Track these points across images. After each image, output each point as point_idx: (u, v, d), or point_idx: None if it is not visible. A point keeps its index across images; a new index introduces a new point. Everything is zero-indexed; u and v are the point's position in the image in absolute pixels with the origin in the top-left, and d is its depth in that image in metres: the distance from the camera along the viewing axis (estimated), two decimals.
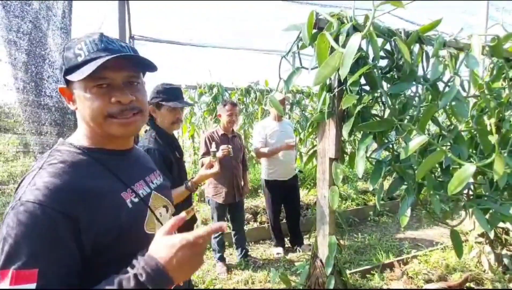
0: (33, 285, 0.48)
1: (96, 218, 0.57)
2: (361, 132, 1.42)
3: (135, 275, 0.49)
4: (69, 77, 0.61)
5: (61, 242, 0.52)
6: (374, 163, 1.50)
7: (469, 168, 1.14)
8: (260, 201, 3.82)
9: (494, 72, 1.89)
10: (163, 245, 0.51)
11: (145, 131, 1.67)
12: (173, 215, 0.82)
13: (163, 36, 4.16)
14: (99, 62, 0.58)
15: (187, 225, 1.67)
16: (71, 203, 0.54)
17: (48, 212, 0.52)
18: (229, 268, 2.64)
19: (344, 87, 1.39)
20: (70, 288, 0.52)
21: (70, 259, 0.53)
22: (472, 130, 1.81)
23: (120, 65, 0.62)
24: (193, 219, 1.75)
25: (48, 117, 1.19)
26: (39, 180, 0.55)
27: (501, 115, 1.86)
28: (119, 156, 0.70)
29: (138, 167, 0.75)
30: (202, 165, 2.41)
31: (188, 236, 0.51)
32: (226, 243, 2.96)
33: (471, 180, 1.81)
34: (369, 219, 3.74)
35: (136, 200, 0.67)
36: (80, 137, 0.66)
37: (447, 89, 1.55)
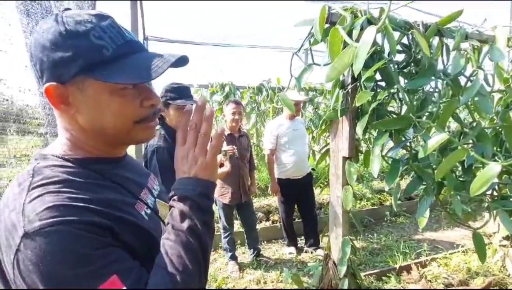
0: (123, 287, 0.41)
1: (124, 230, 0.47)
2: (377, 130, 1.37)
3: (193, 202, 0.49)
4: (98, 75, 0.46)
5: (109, 243, 0.44)
6: (390, 162, 1.44)
7: (494, 167, 1.07)
8: (273, 200, 3.80)
9: None
10: (177, 166, 0.54)
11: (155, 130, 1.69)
12: None
13: (176, 36, 4.19)
14: (167, 62, 0.48)
15: None
16: (94, 213, 0.44)
17: (75, 226, 0.42)
18: (241, 267, 2.64)
19: (358, 84, 1.34)
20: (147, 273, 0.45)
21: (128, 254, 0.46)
22: (497, 127, 1.70)
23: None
24: None
25: None
26: (38, 203, 0.42)
27: None
28: (116, 164, 0.59)
29: (136, 174, 0.65)
30: None
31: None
32: (238, 242, 2.96)
33: (496, 180, 1.71)
34: (385, 219, 3.63)
35: (148, 211, 0.58)
36: (67, 147, 0.53)
37: (469, 84, 1.46)
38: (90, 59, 0.46)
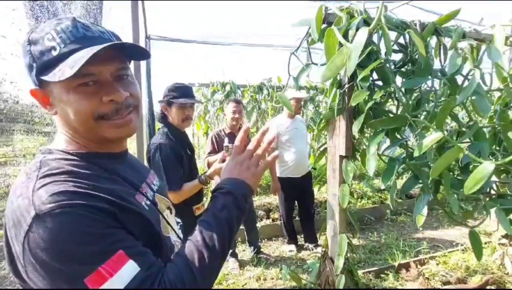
0: (130, 262, 0.44)
1: (128, 218, 0.50)
2: (373, 129, 1.38)
3: (235, 199, 0.58)
4: (45, 78, 0.49)
5: (113, 225, 0.47)
6: (386, 161, 1.46)
7: (488, 166, 1.08)
8: (273, 198, 3.82)
9: None
10: (229, 169, 0.65)
11: (158, 129, 1.72)
12: (181, 215, 0.83)
13: (178, 35, 4.22)
14: (84, 56, 0.47)
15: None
16: (99, 200, 0.47)
17: (82, 208, 0.45)
18: (242, 264, 2.67)
19: (354, 83, 1.35)
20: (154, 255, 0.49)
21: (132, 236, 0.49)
22: (496, 126, 1.71)
23: (106, 57, 0.51)
24: None
25: None
26: (46, 189, 0.45)
27: None
28: (117, 159, 0.61)
29: (137, 169, 0.69)
30: (208, 164, 2.45)
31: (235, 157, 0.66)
32: (239, 239, 3.00)
33: (494, 178, 1.72)
34: (385, 218, 3.64)
35: (148, 203, 0.61)
36: (67, 142, 0.55)
37: (466, 83, 1.47)
38: (42, 61, 0.49)
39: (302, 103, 3.67)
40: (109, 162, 0.58)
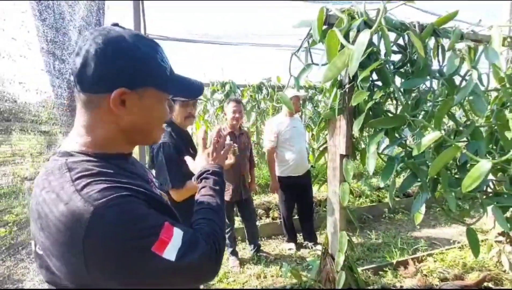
0: (175, 229, 0.55)
1: (155, 207, 0.58)
2: (373, 128, 1.41)
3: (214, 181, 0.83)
4: (164, 88, 0.62)
5: (150, 207, 0.56)
6: (386, 159, 1.48)
7: (484, 165, 1.11)
8: (273, 197, 3.85)
9: None
10: (202, 159, 0.96)
11: None
12: (181, 213, 0.87)
13: (175, 34, 4.21)
14: (201, 89, 0.70)
15: None
16: (133, 191, 0.55)
17: (129, 194, 0.53)
18: (242, 262, 2.69)
19: (355, 83, 1.38)
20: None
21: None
22: (493, 125, 1.74)
23: None
24: None
25: None
26: (90, 188, 0.50)
27: None
28: (126, 160, 0.67)
29: (141, 169, 0.75)
30: None
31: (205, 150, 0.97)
32: (239, 238, 3.02)
33: (491, 177, 1.75)
34: (383, 216, 3.68)
35: (158, 193, 0.70)
36: (86, 144, 0.59)
37: (464, 83, 1.50)
38: (158, 76, 0.61)
39: (301, 101, 3.70)
40: (123, 162, 0.65)
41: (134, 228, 0.51)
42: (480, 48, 1.56)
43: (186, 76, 0.69)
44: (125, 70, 0.56)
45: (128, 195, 0.53)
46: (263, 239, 3.16)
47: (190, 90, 0.69)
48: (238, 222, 3.10)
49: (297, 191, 2.89)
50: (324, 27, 1.37)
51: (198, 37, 4.45)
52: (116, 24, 0.60)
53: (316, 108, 4.37)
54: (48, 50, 1.13)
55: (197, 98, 0.72)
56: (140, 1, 2.48)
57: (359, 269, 2.03)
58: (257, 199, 3.84)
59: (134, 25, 2.15)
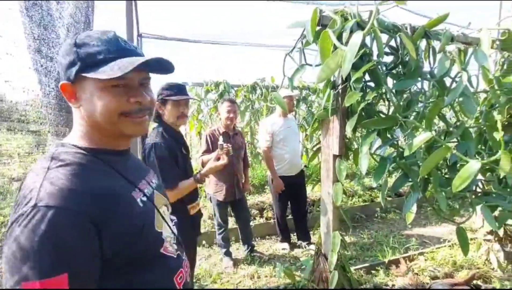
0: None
1: (114, 218, 0.56)
2: (365, 129, 1.42)
3: None
4: (91, 74, 0.58)
5: (86, 244, 0.52)
6: (378, 159, 1.50)
7: (474, 165, 1.13)
8: (266, 197, 3.85)
9: (505, 66, 1.85)
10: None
11: (153, 128, 1.72)
12: (176, 213, 0.87)
13: (171, 33, 4.18)
14: (133, 63, 0.58)
15: (194, 220, 1.72)
16: (89, 204, 0.54)
17: (71, 216, 0.51)
18: (236, 263, 2.69)
19: (348, 84, 1.39)
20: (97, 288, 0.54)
21: (95, 260, 0.53)
22: (482, 126, 1.78)
23: (138, 67, 0.61)
24: (199, 214, 1.80)
25: (71, 118, 1.25)
26: (51, 184, 0.53)
27: (511, 111, 1.81)
28: (120, 156, 0.69)
29: (137, 166, 0.75)
30: (202, 163, 2.46)
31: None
32: (233, 238, 3.01)
33: (480, 177, 1.79)
34: (376, 215, 3.72)
35: (144, 199, 0.67)
36: (80, 137, 0.63)
37: (454, 85, 1.53)
38: (86, 62, 0.59)
39: (295, 101, 3.71)
40: (114, 159, 0.65)
41: (34, 248, 0.47)
42: (470, 50, 1.59)
43: (144, 57, 0.61)
44: (61, 65, 0.61)
45: (68, 210, 0.51)
46: (257, 239, 3.16)
47: (114, 72, 0.57)
48: (232, 222, 3.10)
49: (291, 191, 2.90)
50: (318, 28, 1.38)
51: (192, 37, 4.43)
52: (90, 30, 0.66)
53: (309, 108, 4.39)
54: (35, 48, 1.10)
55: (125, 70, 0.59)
56: (133, 1, 2.45)
57: (352, 269, 2.04)
58: (251, 199, 3.83)
59: (127, 25, 2.12)
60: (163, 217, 0.72)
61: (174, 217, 0.84)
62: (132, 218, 0.60)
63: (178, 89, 1.62)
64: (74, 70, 0.59)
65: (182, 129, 4.58)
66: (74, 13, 1.25)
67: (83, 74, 0.58)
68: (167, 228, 0.72)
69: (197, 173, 1.63)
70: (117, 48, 0.60)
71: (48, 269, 0.47)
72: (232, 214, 2.93)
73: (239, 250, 2.94)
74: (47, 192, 0.51)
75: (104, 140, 0.65)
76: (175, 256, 0.71)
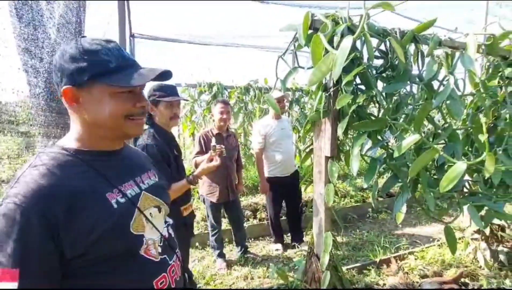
0: (15, 285, 0.51)
1: (76, 218, 0.57)
2: (356, 131, 1.45)
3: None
4: (109, 82, 0.63)
5: (39, 242, 0.54)
6: (369, 161, 1.53)
7: (460, 166, 1.16)
8: (260, 198, 3.86)
9: (490, 70, 1.91)
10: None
11: (145, 130, 1.71)
12: (168, 215, 0.84)
13: (163, 34, 4.16)
14: (149, 75, 0.65)
15: (186, 221, 1.72)
16: (49, 203, 0.56)
17: (25, 213, 0.53)
18: (229, 264, 2.69)
19: (339, 87, 1.41)
20: (52, 288, 0.55)
21: (50, 259, 0.55)
22: (468, 128, 1.83)
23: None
24: (192, 216, 1.80)
25: (61, 120, 1.23)
26: (23, 182, 0.57)
27: (496, 113, 1.88)
28: (109, 157, 0.70)
29: (128, 167, 0.75)
30: (196, 164, 2.45)
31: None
32: (226, 240, 3.01)
33: (467, 177, 1.84)
34: (367, 216, 3.77)
35: (122, 200, 0.67)
36: (72, 139, 0.67)
37: (442, 88, 1.57)
38: (99, 69, 0.63)
39: (287, 103, 3.73)
40: (97, 159, 0.68)
41: None
42: (457, 54, 1.64)
43: (152, 68, 0.69)
44: (65, 71, 0.63)
45: (28, 209, 0.54)
46: (250, 240, 3.16)
47: (137, 79, 0.65)
48: (225, 223, 3.09)
49: (285, 191, 2.92)
50: (310, 31, 1.40)
51: (185, 37, 4.41)
52: (83, 36, 0.67)
53: (302, 110, 4.43)
54: (25, 48, 1.09)
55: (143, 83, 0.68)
56: (125, 1, 2.43)
57: (344, 269, 2.07)
58: (244, 201, 3.84)
59: (119, 25, 2.11)
60: (148, 219, 0.70)
61: (170, 220, 0.83)
62: (99, 219, 0.60)
63: (171, 90, 1.62)
64: (85, 76, 0.62)
65: (175, 130, 4.55)
66: (65, 13, 1.24)
67: (97, 81, 0.62)
68: (153, 230, 0.71)
69: (190, 174, 1.63)
70: (123, 58, 0.66)
71: (3, 259, 0.51)
72: (226, 215, 2.93)
73: (232, 251, 2.94)
74: (13, 191, 0.56)
75: (100, 142, 0.69)
76: (157, 260, 0.70)
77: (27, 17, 1.10)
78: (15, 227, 0.53)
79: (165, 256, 0.72)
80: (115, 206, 0.65)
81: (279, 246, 3.00)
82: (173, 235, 0.82)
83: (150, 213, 0.73)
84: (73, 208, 0.58)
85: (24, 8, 1.10)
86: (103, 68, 0.63)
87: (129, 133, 0.70)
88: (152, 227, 0.71)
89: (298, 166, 3.19)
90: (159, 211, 0.77)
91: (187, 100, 4.12)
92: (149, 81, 0.66)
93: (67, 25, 1.23)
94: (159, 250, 0.71)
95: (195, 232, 2.91)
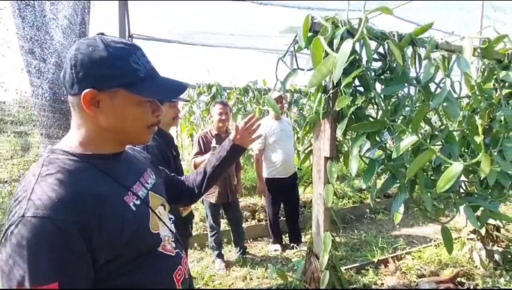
0: None
1: (105, 225, 0.56)
2: (355, 132, 1.47)
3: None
4: (133, 90, 0.61)
5: (76, 253, 0.52)
6: (367, 162, 1.55)
7: (457, 167, 1.19)
8: (258, 199, 3.87)
9: (485, 73, 1.94)
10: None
11: None
12: (169, 211, 0.86)
13: (162, 35, 4.16)
14: (179, 90, 0.68)
15: (184, 222, 1.73)
16: (79, 212, 0.54)
17: (59, 225, 0.51)
18: (228, 265, 2.69)
19: (338, 89, 1.43)
20: None
21: (87, 268, 0.54)
22: (464, 130, 1.86)
23: None
24: (191, 216, 1.81)
25: (63, 121, 1.23)
26: (40, 193, 0.53)
27: (491, 115, 1.91)
28: (114, 160, 0.69)
29: (132, 168, 0.75)
30: (195, 165, 2.46)
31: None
32: (225, 240, 3.02)
33: (463, 178, 1.87)
34: (365, 216, 3.80)
35: (138, 202, 0.68)
36: (73, 143, 0.64)
37: (438, 90, 1.60)
38: (130, 79, 0.62)
39: (286, 103, 3.75)
40: (107, 162, 0.66)
41: (26, 257, 0.49)
42: (453, 57, 1.67)
43: (170, 78, 0.69)
44: (91, 72, 0.60)
45: (57, 220, 0.51)
46: (249, 241, 3.17)
47: (169, 92, 0.68)
48: (224, 224, 3.10)
49: (284, 192, 2.94)
50: (310, 34, 1.42)
51: (184, 39, 4.42)
52: (101, 33, 0.64)
53: (301, 111, 4.45)
54: (28, 49, 1.10)
55: (175, 97, 0.71)
56: (126, 1, 2.44)
57: (342, 269, 2.09)
58: (243, 201, 3.85)
59: (119, 25, 2.12)
60: (159, 217, 0.72)
61: (172, 216, 0.85)
62: (124, 224, 0.60)
63: None
64: (114, 83, 0.60)
65: (173, 131, 4.54)
66: (70, 14, 1.25)
67: (126, 90, 0.61)
68: (164, 227, 0.74)
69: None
70: (149, 67, 0.66)
71: (39, 277, 0.49)
72: (224, 216, 2.94)
73: (231, 252, 2.95)
74: (34, 202, 0.52)
75: (107, 146, 0.67)
76: (174, 254, 0.73)
77: (30, 18, 1.11)
78: (49, 242, 0.50)
79: (177, 250, 0.75)
80: (134, 208, 0.65)
81: (277, 246, 3.01)
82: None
83: (159, 212, 0.75)
84: (101, 214, 0.57)
85: (27, 9, 1.10)
86: (134, 78, 0.62)
87: (144, 141, 0.70)
88: (163, 224, 0.73)
89: (298, 168, 3.21)
90: (164, 208, 0.80)
91: (188, 101, 4.13)
92: (179, 99, 0.68)
93: (71, 26, 1.24)
94: (173, 245, 0.74)
95: (194, 233, 2.92)
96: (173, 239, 0.76)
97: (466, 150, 1.88)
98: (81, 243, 0.53)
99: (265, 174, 2.92)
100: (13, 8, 1.05)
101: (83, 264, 0.53)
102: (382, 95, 1.48)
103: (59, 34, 1.17)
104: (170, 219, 0.83)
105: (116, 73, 0.60)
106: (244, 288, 2.37)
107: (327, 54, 1.29)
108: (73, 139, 0.64)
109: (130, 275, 0.61)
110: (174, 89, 0.68)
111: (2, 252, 0.50)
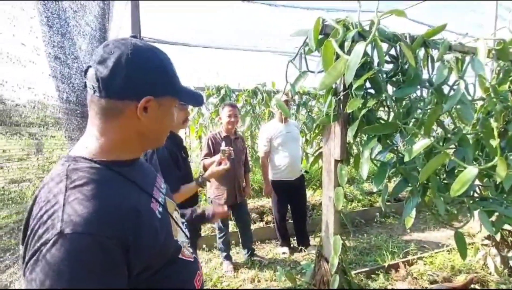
0: None
1: (140, 237, 0.55)
2: (366, 134, 1.46)
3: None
4: (178, 96, 0.65)
5: (118, 267, 0.51)
6: (378, 165, 1.53)
7: (472, 170, 1.16)
8: (266, 201, 3.87)
9: (501, 75, 1.90)
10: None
11: None
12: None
13: (171, 37, 4.22)
14: (202, 95, 0.72)
15: (194, 223, 1.74)
16: (117, 226, 0.52)
17: (100, 241, 0.49)
18: (236, 267, 2.70)
19: (349, 91, 1.43)
20: None
21: (124, 284, 0.53)
22: (479, 133, 1.82)
23: None
24: None
25: (84, 124, 1.27)
26: (74, 207, 0.50)
27: (507, 118, 1.86)
28: (133, 166, 0.67)
29: (147, 174, 0.74)
30: (204, 167, 2.48)
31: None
32: (233, 242, 3.02)
33: (477, 182, 1.82)
34: (375, 220, 3.74)
35: (161, 209, 0.67)
36: (95, 150, 0.59)
37: (452, 92, 1.57)
38: (175, 85, 0.65)
39: (291, 104, 3.74)
40: (128, 169, 0.63)
41: (70, 276, 0.46)
42: (467, 59, 1.64)
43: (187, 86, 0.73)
44: (151, 79, 0.60)
45: (97, 235, 0.49)
46: (257, 243, 3.17)
47: (197, 99, 0.71)
48: (232, 226, 3.11)
49: (290, 195, 2.93)
50: (320, 36, 1.42)
51: (193, 41, 4.47)
52: (134, 36, 0.64)
53: (309, 113, 4.44)
54: (54, 55, 1.13)
55: (200, 105, 0.73)
56: (138, 1, 2.47)
57: (352, 273, 2.06)
58: (251, 203, 3.85)
59: (132, 27, 2.16)
60: (177, 223, 0.72)
61: (183, 220, 0.86)
62: (155, 234, 0.60)
63: None
64: (168, 90, 0.63)
65: (182, 133, 4.59)
66: (91, 21, 1.29)
67: (173, 96, 0.64)
68: (181, 233, 0.73)
69: (199, 177, 1.66)
70: (177, 74, 0.68)
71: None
72: (233, 218, 2.95)
73: (239, 254, 2.95)
74: (71, 218, 0.48)
75: (128, 153, 0.64)
76: (192, 260, 0.72)
77: (56, 26, 1.15)
78: (91, 258, 0.48)
79: (194, 255, 0.74)
80: (159, 216, 0.64)
81: (285, 249, 3.00)
82: None
83: (176, 217, 0.74)
84: (136, 225, 0.55)
85: (53, 16, 1.15)
86: (178, 85, 0.65)
87: (162, 144, 0.72)
88: (180, 230, 0.72)
89: (305, 171, 3.19)
90: (178, 213, 0.79)
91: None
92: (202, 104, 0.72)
93: (92, 32, 1.28)
94: (190, 250, 0.74)
95: (202, 234, 2.93)
96: (189, 245, 0.75)
97: (480, 154, 1.84)
98: (121, 258, 0.51)
99: (271, 177, 2.92)
100: (41, 16, 1.09)
101: (122, 280, 0.52)
102: (394, 98, 1.46)
103: (81, 40, 1.21)
104: (183, 223, 0.82)
105: (170, 80, 0.63)
106: (253, 289, 2.36)
107: (337, 56, 1.29)
108: (94, 145, 0.60)
109: (158, 285, 0.60)
110: (198, 95, 0.71)
111: (34, 274, 0.46)
